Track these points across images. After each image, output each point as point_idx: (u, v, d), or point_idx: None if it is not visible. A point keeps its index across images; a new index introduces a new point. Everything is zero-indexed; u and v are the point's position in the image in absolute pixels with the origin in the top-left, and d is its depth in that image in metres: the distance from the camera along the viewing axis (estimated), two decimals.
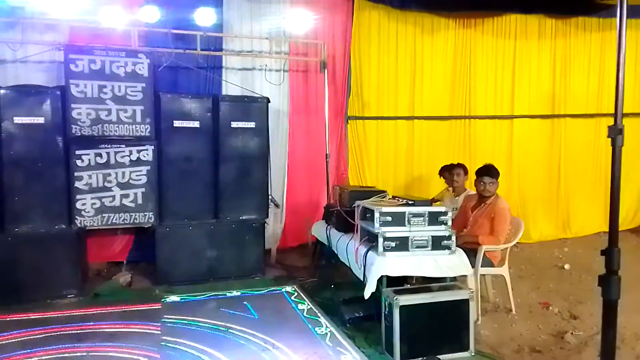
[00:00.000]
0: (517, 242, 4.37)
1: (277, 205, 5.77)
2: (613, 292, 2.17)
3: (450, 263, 3.65)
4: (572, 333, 3.78)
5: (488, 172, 4.29)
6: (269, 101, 5.28)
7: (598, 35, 7.10)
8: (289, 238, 6.04)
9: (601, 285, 2.20)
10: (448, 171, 5.36)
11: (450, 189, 5.34)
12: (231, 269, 5.08)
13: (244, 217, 5.14)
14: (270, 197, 5.46)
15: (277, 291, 4.69)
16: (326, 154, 5.89)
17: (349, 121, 6.35)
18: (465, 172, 5.17)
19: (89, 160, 4.68)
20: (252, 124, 5.11)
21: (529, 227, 6.76)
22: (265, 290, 4.71)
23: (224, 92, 5.59)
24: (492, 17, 6.77)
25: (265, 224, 5.37)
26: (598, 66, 7.15)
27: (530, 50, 6.98)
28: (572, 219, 7.18)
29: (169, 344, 3.50)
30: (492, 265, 4.19)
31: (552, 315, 4.24)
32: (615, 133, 2.17)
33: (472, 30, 6.75)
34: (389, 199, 4.14)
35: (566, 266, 5.62)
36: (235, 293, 4.63)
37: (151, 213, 4.87)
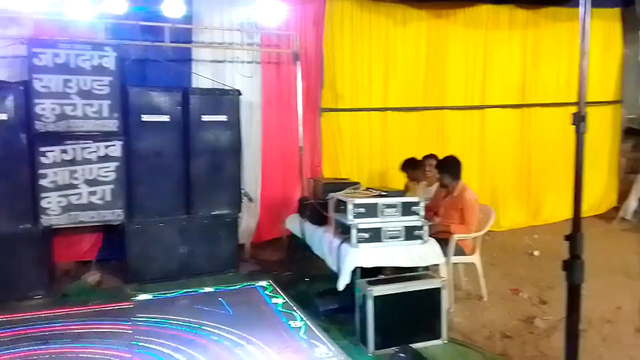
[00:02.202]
0: (488, 230, 4.47)
1: (250, 200, 5.74)
2: (576, 276, 2.24)
3: (423, 253, 3.72)
4: (541, 318, 3.90)
5: (439, 169, 4.55)
6: (240, 94, 5.23)
7: (567, 25, 7.23)
8: (263, 232, 6.01)
9: (565, 270, 2.27)
10: (411, 166, 5.47)
11: (414, 182, 5.45)
12: (204, 265, 5.05)
13: (216, 212, 5.10)
14: (243, 191, 5.43)
15: (251, 286, 4.68)
16: (300, 147, 5.88)
17: (322, 113, 6.34)
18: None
19: (54, 157, 4.56)
20: (223, 117, 5.07)
21: (500, 215, 6.88)
22: (239, 286, 4.70)
23: (194, 85, 5.50)
24: (464, 7, 6.84)
25: (239, 219, 5.34)
26: (567, 55, 7.31)
27: (501, 40, 7.08)
28: (542, 206, 7.36)
29: (140, 343, 3.46)
30: (464, 254, 4.27)
31: (522, 301, 4.36)
32: (579, 120, 2.22)
33: (444, 20, 6.81)
34: (363, 190, 4.17)
35: (536, 253, 5.77)
36: (208, 289, 4.60)
37: (120, 210, 4.79)
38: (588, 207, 7.43)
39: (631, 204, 7.13)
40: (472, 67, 7.00)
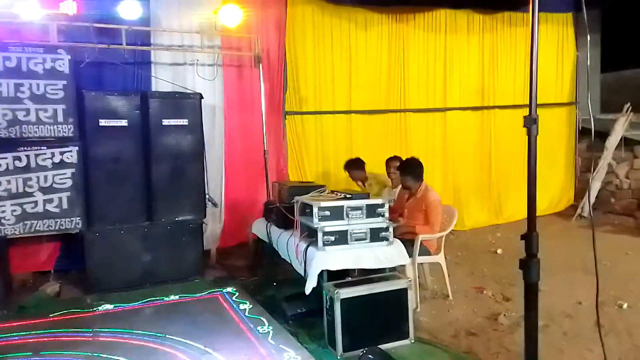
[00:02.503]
0: (452, 230, 4.54)
1: (215, 205, 5.66)
2: (533, 274, 2.30)
3: (389, 254, 3.74)
4: (505, 315, 3.98)
5: (400, 171, 4.58)
6: (201, 97, 5.16)
7: (523, 30, 7.47)
8: (229, 237, 5.93)
9: (522, 269, 2.32)
10: (354, 166, 5.55)
11: (359, 182, 5.58)
12: (168, 272, 4.93)
13: (180, 218, 5.00)
14: (207, 196, 5.35)
15: (218, 292, 4.61)
16: (264, 150, 5.84)
17: (286, 116, 6.33)
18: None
19: (7, 164, 4.41)
20: (184, 121, 4.97)
21: (463, 215, 7.05)
22: (205, 293, 4.61)
23: (153, 89, 5.40)
24: (423, 12, 6.97)
25: (203, 224, 5.26)
26: (524, 59, 7.53)
27: (460, 44, 7.24)
28: (504, 205, 7.55)
29: (102, 355, 3.34)
30: (429, 254, 4.33)
31: (486, 298, 4.45)
32: (530, 123, 2.28)
33: (404, 25, 6.91)
34: (328, 193, 4.16)
35: (499, 251, 5.92)
36: (173, 297, 4.50)
37: (78, 218, 4.64)
38: (547, 205, 7.69)
39: (587, 202, 7.41)
40: (433, 71, 7.13)
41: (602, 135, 7.48)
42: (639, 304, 4.13)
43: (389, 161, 5.37)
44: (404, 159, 5.26)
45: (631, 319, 3.85)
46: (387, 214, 3.80)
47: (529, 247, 2.31)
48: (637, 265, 5.19)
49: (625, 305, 4.10)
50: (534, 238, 2.31)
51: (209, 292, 4.62)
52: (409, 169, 4.48)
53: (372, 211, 3.76)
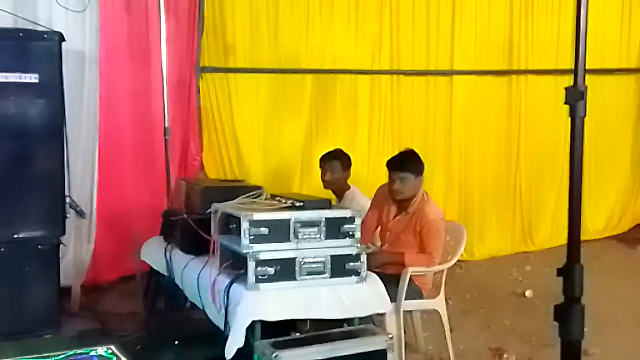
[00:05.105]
0: (458, 260, 4.62)
1: (81, 214, 5.55)
2: (575, 328, 2.32)
3: (359, 296, 3.76)
4: None
5: (397, 164, 4.43)
6: (62, 39, 5.04)
7: None
8: (102, 268, 5.94)
9: (558, 320, 2.35)
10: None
11: None
12: (1, 323, 4.81)
13: (21, 235, 4.87)
14: (68, 200, 5.24)
15: (83, 356, 4.53)
16: (165, 129, 5.77)
17: (202, 75, 6.34)
18: (345, 163, 5.24)
19: None
20: (32, 77, 4.85)
21: (475, 238, 7.24)
22: (62, 357, 4.52)
23: None
24: None
25: (61, 245, 5.15)
26: (572, 5, 7.76)
27: None
28: (535, 225, 7.79)
29: None
30: (421, 297, 4.39)
31: None
32: (575, 98, 2.30)
33: None
34: (266, 198, 4.17)
35: (527, 293, 6.07)
36: None
37: None
38: (603, 225, 7.94)
39: None
40: (436, 18, 7.25)
41: None
42: None
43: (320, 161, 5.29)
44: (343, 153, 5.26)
45: None
46: (358, 234, 3.82)
47: (569, 287, 2.34)
48: None
49: None
50: (576, 274, 2.34)
51: (69, 356, 4.53)
52: (407, 164, 4.41)
53: (335, 228, 3.78)
